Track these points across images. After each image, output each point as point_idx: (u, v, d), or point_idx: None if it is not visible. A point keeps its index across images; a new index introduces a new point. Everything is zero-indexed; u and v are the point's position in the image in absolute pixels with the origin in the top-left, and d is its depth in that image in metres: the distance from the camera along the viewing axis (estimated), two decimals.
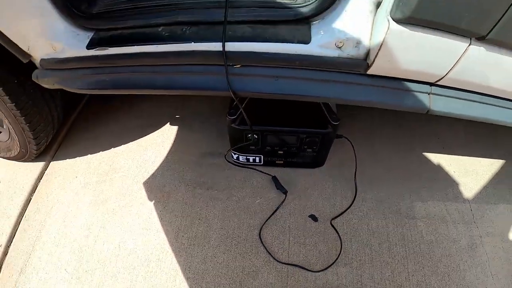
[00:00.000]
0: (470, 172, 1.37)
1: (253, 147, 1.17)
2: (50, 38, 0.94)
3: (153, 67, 0.94)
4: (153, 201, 1.22)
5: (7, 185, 1.29)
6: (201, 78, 0.90)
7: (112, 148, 1.39)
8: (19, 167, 1.35)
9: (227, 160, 1.16)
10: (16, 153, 1.29)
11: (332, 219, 1.16)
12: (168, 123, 1.47)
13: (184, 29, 0.90)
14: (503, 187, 1.31)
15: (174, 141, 1.40)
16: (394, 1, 0.69)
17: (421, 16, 0.69)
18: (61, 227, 1.18)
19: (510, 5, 0.66)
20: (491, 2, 0.66)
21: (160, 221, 1.17)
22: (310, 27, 0.84)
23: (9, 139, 1.26)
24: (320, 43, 0.81)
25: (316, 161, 1.28)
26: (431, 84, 0.89)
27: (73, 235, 1.15)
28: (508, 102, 0.93)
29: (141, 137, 1.42)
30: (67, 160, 1.37)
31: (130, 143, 1.40)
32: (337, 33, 0.81)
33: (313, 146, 1.16)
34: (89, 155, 1.37)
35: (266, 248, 1.09)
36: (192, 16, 0.89)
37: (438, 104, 0.90)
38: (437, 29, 0.73)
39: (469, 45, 0.77)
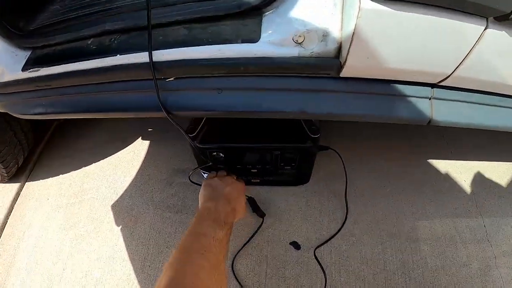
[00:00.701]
0: (484, 181, 1.06)
1: (222, 166, 0.92)
2: None
3: (83, 87, 0.71)
4: (120, 226, 1.02)
5: None
6: (131, 98, 0.66)
7: (84, 167, 1.19)
8: None
9: (191, 181, 0.93)
10: None
11: (317, 247, 0.90)
12: (140, 137, 1.24)
13: (112, 39, 0.66)
14: None
15: (145, 157, 1.17)
16: None
17: None
18: (33, 253, 1.01)
19: None
20: None
21: (127, 248, 0.97)
22: (261, 20, 0.57)
23: None
24: (273, 39, 0.54)
25: (299, 178, 1.02)
26: (432, 85, 0.60)
27: (43, 262, 0.99)
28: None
29: (112, 154, 1.21)
30: (41, 181, 1.19)
31: (101, 161, 1.19)
32: (295, 24, 0.53)
33: (291, 163, 0.89)
34: (61, 175, 1.19)
35: (239, 282, 0.86)
36: (119, 23, 0.65)
37: (443, 111, 0.61)
38: (434, 6, 0.45)
39: (485, 28, 0.48)
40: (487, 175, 1.07)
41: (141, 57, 0.60)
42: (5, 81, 0.76)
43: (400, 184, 1.04)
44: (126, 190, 1.09)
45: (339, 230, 0.93)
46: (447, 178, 1.06)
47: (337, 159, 0.99)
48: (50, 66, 0.71)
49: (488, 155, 1.11)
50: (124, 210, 1.05)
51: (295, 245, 0.92)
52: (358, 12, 0.44)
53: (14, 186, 1.18)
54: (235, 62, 0.56)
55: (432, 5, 0.45)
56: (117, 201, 1.07)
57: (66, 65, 0.69)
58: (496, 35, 0.49)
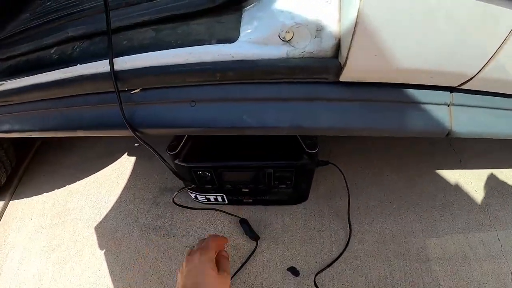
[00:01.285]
0: (496, 190, 0.91)
1: (210, 186, 0.78)
2: None
3: (46, 102, 0.58)
4: (104, 250, 0.87)
5: None
6: (94, 113, 0.52)
7: (67, 185, 1.05)
8: None
9: (175, 204, 0.79)
10: None
11: (318, 273, 0.75)
12: (126, 153, 1.11)
13: (74, 47, 0.53)
14: None
15: (131, 175, 1.03)
16: None
17: None
18: (16, 275, 0.88)
19: None
20: None
21: (110, 275, 0.83)
22: (241, 16, 0.43)
23: None
24: (254, 37, 0.41)
25: (296, 197, 0.86)
26: (452, 89, 0.46)
27: (25, 285, 0.85)
28: None
29: (97, 170, 1.07)
30: (24, 199, 1.06)
31: (86, 178, 1.05)
32: (282, 17, 0.40)
33: (287, 181, 0.74)
34: (44, 194, 1.05)
35: None
36: (81, 27, 0.52)
37: (464, 120, 0.47)
38: None
39: None
40: (499, 183, 0.92)
41: (102, 65, 0.47)
42: None
43: (407, 199, 0.88)
44: (110, 211, 0.95)
45: (341, 253, 0.78)
46: (457, 189, 0.91)
47: (338, 174, 0.84)
48: (13, 79, 0.58)
49: (500, 162, 0.96)
50: (108, 232, 0.90)
51: (293, 271, 0.76)
52: None
53: None
54: (210, 67, 0.42)
55: None
56: (100, 222, 0.93)
57: (29, 77, 0.56)
58: None
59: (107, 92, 0.49)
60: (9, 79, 0.59)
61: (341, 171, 0.83)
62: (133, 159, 1.08)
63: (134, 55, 0.46)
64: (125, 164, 1.07)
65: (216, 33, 0.42)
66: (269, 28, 0.40)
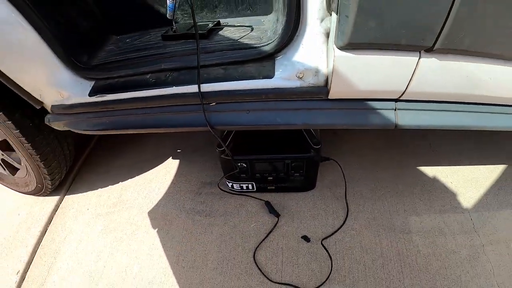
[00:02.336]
0: (470, 181, 1.37)
1: (244, 175, 1.28)
2: (58, 87, 1.11)
3: (143, 110, 1.10)
4: (157, 229, 1.34)
5: (25, 217, 1.48)
6: (184, 117, 1.04)
7: (120, 182, 1.55)
8: (36, 200, 1.54)
9: (220, 188, 1.27)
10: (33, 188, 1.48)
11: (323, 239, 1.21)
12: (171, 157, 1.63)
13: (167, 75, 1.05)
14: (506, 192, 1.32)
15: (176, 173, 1.54)
16: (335, 31, 0.80)
17: (359, 41, 0.78)
18: (74, 254, 1.32)
19: (448, 16, 0.71)
20: (424, 18, 0.72)
21: (163, 246, 1.28)
22: (274, 63, 0.96)
23: (27, 175, 1.45)
24: (283, 76, 0.93)
25: (306, 185, 1.36)
26: (396, 100, 0.96)
27: (84, 261, 1.29)
28: (475, 106, 0.98)
29: (147, 170, 1.58)
30: (80, 194, 1.55)
31: (137, 176, 1.56)
32: (297, 65, 0.92)
33: (300, 170, 1.25)
34: (99, 189, 1.54)
35: (260, 269, 1.16)
36: (173, 63, 1.05)
37: (405, 118, 0.97)
38: (382, 49, 0.81)
39: (419, 58, 0.83)
40: (472, 176, 1.39)
41: (191, 88, 0.99)
42: (71, 103, 1.14)
43: (393, 187, 1.36)
44: (160, 200, 1.43)
45: (341, 226, 1.25)
46: (435, 181, 1.38)
47: (339, 169, 1.33)
48: (115, 93, 1.09)
49: (473, 159, 1.45)
50: (159, 216, 1.38)
51: (306, 238, 1.22)
52: (334, 58, 0.82)
53: (54, 198, 1.53)
54: (258, 91, 0.94)
55: (381, 49, 0.82)
56: (152, 209, 1.41)
57: (131, 93, 1.07)
58: (429, 61, 0.84)
59: (194, 104, 1.00)
60: (110, 93, 1.10)
61: (340, 166, 1.32)
62: (177, 161, 1.60)
63: (213, 83, 0.97)
64: (170, 165, 1.58)
65: (262, 72, 0.94)
66: (291, 71, 0.92)
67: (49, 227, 1.44)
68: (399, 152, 1.52)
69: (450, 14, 0.71)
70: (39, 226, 1.43)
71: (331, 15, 0.84)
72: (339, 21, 0.77)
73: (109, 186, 1.54)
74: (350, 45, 0.79)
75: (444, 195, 1.33)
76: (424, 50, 0.82)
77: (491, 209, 1.27)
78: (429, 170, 1.42)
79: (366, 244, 1.20)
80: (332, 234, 1.23)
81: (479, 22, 0.74)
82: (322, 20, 0.86)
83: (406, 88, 0.91)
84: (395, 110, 0.96)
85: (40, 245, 1.37)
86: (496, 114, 1.01)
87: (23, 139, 1.23)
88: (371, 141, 1.61)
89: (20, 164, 1.43)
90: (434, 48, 0.79)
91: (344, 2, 0.73)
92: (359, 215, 1.28)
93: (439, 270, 1.12)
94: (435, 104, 0.98)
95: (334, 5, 0.78)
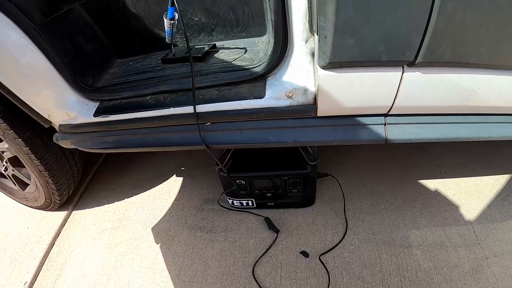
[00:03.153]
0: (472, 193, 1.38)
1: (244, 192, 1.33)
2: (65, 108, 1.19)
3: (144, 129, 1.17)
4: (159, 244, 1.39)
5: (34, 231, 1.57)
6: (181, 136, 1.10)
7: (126, 199, 1.62)
8: (45, 215, 1.63)
9: (220, 205, 1.32)
10: (42, 203, 1.57)
11: (321, 254, 1.23)
12: (174, 174, 1.71)
13: (165, 97, 1.12)
14: (510, 203, 1.32)
15: (179, 190, 1.61)
16: (317, 51, 0.84)
17: (339, 60, 0.82)
18: (80, 267, 1.39)
19: (426, 30, 0.75)
20: (402, 33, 0.75)
21: (165, 261, 1.33)
22: (265, 83, 1.01)
23: (36, 191, 1.53)
24: (273, 95, 0.98)
25: (305, 200, 1.39)
26: (385, 115, 1.00)
27: (89, 274, 1.36)
28: (467, 117, 1.00)
29: (151, 188, 1.66)
30: (87, 209, 1.64)
31: (141, 193, 1.64)
32: (286, 85, 0.97)
33: (297, 186, 1.29)
34: (105, 205, 1.62)
35: (259, 284, 1.19)
36: (171, 86, 1.12)
37: (395, 132, 1.00)
38: (364, 66, 0.85)
39: (403, 72, 0.86)
40: (475, 187, 1.39)
41: (188, 109, 1.06)
42: (77, 123, 1.22)
43: (393, 201, 1.38)
44: (164, 216, 1.49)
45: (340, 241, 1.27)
46: (436, 194, 1.39)
47: (337, 184, 1.35)
48: (118, 114, 1.16)
49: (475, 171, 1.45)
50: (162, 231, 1.43)
51: (304, 254, 1.25)
52: (318, 77, 0.87)
53: (62, 213, 1.62)
54: (250, 111, 0.99)
55: (363, 66, 0.86)
56: (156, 224, 1.47)
57: (132, 113, 1.14)
58: (412, 75, 0.86)
59: (190, 124, 1.07)
60: (113, 114, 1.17)
61: (338, 182, 1.35)
62: (180, 179, 1.67)
63: (208, 104, 1.03)
64: (173, 183, 1.65)
65: (253, 93, 1.00)
66: (280, 91, 0.97)
67: (57, 240, 1.52)
68: (399, 165, 1.54)
69: (428, 27, 0.74)
70: (47, 239, 1.51)
71: (313, 36, 0.89)
72: (319, 42, 0.82)
73: (115, 203, 1.62)
74: (332, 64, 0.84)
75: (445, 208, 1.34)
76: (406, 65, 0.85)
77: (494, 220, 1.27)
78: (430, 183, 1.43)
79: (366, 259, 1.21)
80: (331, 249, 1.25)
81: (458, 34, 0.76)
82: (306, 41, 0.92)
83: (393, 103, 0.94)
84: (384, 124, 1.00)
85: (48, 257, 1.45)
86: (490, 123, 1.02)
87: (32, 155, 1.31)
88: (371, 155, 1.63)
89: (30, 179, 1.51)
90: (416, 62, 0.82)
91: (322, 24, 0.78)
92: (359, 230, 1.30)
93: (441, 284, 1.12)
94: (425, 117, 1.00)
95: (315, 26, 0.84)
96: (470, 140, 1.03)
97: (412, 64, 0.84)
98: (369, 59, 0.82)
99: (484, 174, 1.43)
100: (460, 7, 0.72)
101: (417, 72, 0.86)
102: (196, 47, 1.24)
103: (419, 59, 0.81)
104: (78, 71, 1.19)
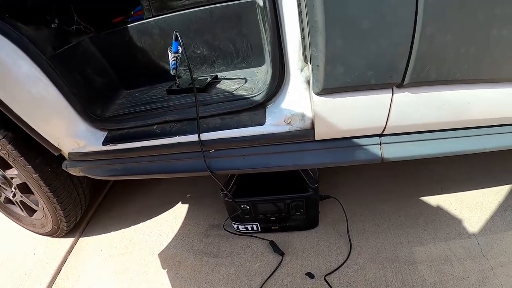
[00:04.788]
0: (475, 206, 1.43)
1: (248, 216, 1.40)
2: (75, 137, 1.28)
3: (151, 157, 1.25)
4: (166, 269, 1.44)
5: (41, 257, 1.63)
6: (187, 163, 1.19)
7: (132, 226, 1.69)
8: (52, 241, 1.69)
9: (226, 230, 1.38)
10: (49, 229, 1.63)
11: (327, 274, 1.27)
12: (180, 201, 1.79)
13: (171, 126, 1.21)
14: None
15: (185, 217, 1.69)
16: (312, 79, 0.93)
17: (332, 86, 0.91)
18: None
19: (410, 53, 0.83)
20: (387, 58, 0.84)
21: (172, 286, 1.38)
22: (265, 111, 1.10)
23: (44, 217, 1.60)
24: (272, 122, 1.07)
25: (309, 223, 1.45)
26: (380, 135, 1.08)
27: None
28: (457, 131, 1.07)
29: (157, 215, 1.74)
30: (94, 236, 1.70)
31: (147, 220, 1.71)
32: (285, 111, 1.06)
33: (300, 209, 1.36)
34: (112, 232, 1.69)
35: None
36: (176, 116, 1.21)
37: (391, 151, 1.07)
38: (355, 91, 0.93)
39: (393, 94, 0.94)
40: (477, 200, 1.44)
41: (193, 137, 1.14)
42: (86, 151, 1.31)
43: (395, 220, 1.43)
44: (170, 242, 1.55)
45: (345, 261, 1.31)
46: (439, 210, 1.44)
47: (340, 205, 1.42)
48: (126, 143, 1.25)
49: (476, 184, 1.51)
50: (169, 257, 1.49)
51: (310, 275, 1.29)
52: (313, 103, 0.96)
53: (69, 240, 1.69)
54: (252, 138, 1.08)
55: (354, 91, 0.94)
56: (162, 250, 1.52)
57: (140, 142, 1.23)
58: (403, 95, 0.95)
59: (195, 151, 1.15)
60: (121, 142, 1.26)
61: (340, 203, 1.41)
62: (186, 205, 1.75)
63: (211, 132, 1.12)
64: (179, 210, 1.73)
65: (254, 120, 1.08)
66: (279, 117, 1.06)
67: (63, 267, 1.58)
68: (399, 184, 1.60)
69: (412, 51, 0.83)
70: (54, 265, 1.56)
71: (308, 65, 0.99)
72: (312, 70, 0.91)
73: (122, 229, 1.68)
74: (325, 90, 0.92)
75: (448, 223, 1.39)
76: (395, 86, 0.93)
77: (498, 231, 1.31)
78: (432, 199, 1.48)
79: (371, 277, 1.25)
80: (336, 269, 1.29)
81: (440, 54, 0.84)
82: (301, 70, 1.01)
83: (386, 123, 1.02)
84: (380, 144, 1.07)
85: (55, 282, 1.50)
86: (483, 136, 1.09)
87: (42, 182, 1.39)
88: (371, 176, 1.70)
89: (37, 206, 1.58)
90: (404, 83, 0.90)
91: (314, 54, 0.87)
92: (363, 250, 1.34)
93: None
94: (419, 134, 1.08)
95: (308, 57, 0.93)
96: (466, 153, 1.10)
97: (400, 86, 0.92)
98: (359, 83, 0.90)
99: (485, 187, 1.49)
100: (441, 30, 0.80)
101: (406, 92, 0.94)
102: (199, 78, 1.35)
103: (406, 81, 0.89)
104: (87, 102, 1.28)
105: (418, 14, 0.78)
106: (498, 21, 0.80)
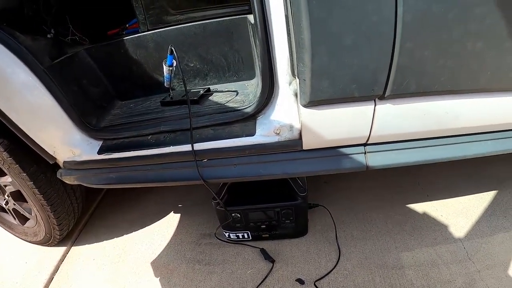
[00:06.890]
0: (460, 211, 1.52)
1: (239, 225, 1.46)
2: (70, 145, 1.33)
3: (145, 166, 1.32)
4: (159, 278, 1.49)
5: (32, 266, 1.66)
6: (180, 172, 1.26)
7: (125, 234, 1.74)
8: (44, 250, 1.73)
9: (217, 238, 1.44)
10: (41, 237, 1.67)
11: (316, 280, 1.34)
12: (172, 211, 1.85)
13: (165, 136, 1.29)
14: (498, 217, 1.46)
15: (177, 225, 1.75)
16: (299, 92, 1.02)
17: (317, 99, 0.99)
18: None
19: (390, 67, 0.91)
20: (369, 72, 0.92)
21: None
22: (256, 122, 1.19)
23: (36, 225, 1.64)
24: (262, 133, 1.15)
25: (298, 231, 1.53)
26: (364, 144, 1.16)
27: None
28: (439, 140, 1.16)
29: (150, 224, 1.79)
30: (86, 245, 1.75)
31: (140, 229, 1.76)
32: (274, 123, 1.14)
33: (290, 217, 1.43)
34: (105, 241, 1.74)
35: None
36: (170, 126, 1.29)
37: (375, 160, 1.16)
38: (340, 103, 1.01)
39: (375, 105, 1.03)
40: (463, 206, 1.53)
41: (186, 147, 1.22)
42: (81, 160, 1.36)
43: (383, 227, 1.51)
44: (162, 251, 1.61)
45: (334, 266, 1.38)
46: (425, 216, 1.52)
47: (328, 213, 1.49)
48: (121, 152, 1.31)
49: (461, 190, 1.61)
50: (162, 265, 1.54)
51: (300, 281, 1.36)
52: (300, 114, 1.04)
53: (61, 249, 1.73)
54: (243, 148, 1.16)
55: (339, 103, 1.02)
56: (155, 259, 1.57)
57: (134, 151, 1.30)
58: (384, 107, 1.03)
59: (188, 161, 1.22)
60: (116, 152, 1.32)
61: (329, 211, 1.49)
62: (178, 215, 1.81)
63: (204, 142, 1.19)
64: (172, 218, 1.79)
65: (245, 131, 1.16)
66: (269, 128, 1.14)
67: (55, 275, 1.62)
68: (387, 192, 1.69)
69: (392, 65, 0.91)
70: (46, 274, 1.60)
71: (295, 79, 1.07)
72: (300, 84, 0.99)
73: (114, 238, 1.73)
74: (312, 103, 1.01)
75: (435, 228, 1.47)
76: (377, 98, 1.02)
77: (483, 235, 1.40)
78: (419, 206, 1.57)
79: (359, 282, 1.32)
80: (326, 275, 1.36)
81: (419, 68, 0.93)
82: (290, 84, 1.10)
83: (370, 133, 1.11)
84: (365, 153, 1.16)
85: None
86: (464, 143, 1.18)
87: (36, 190, 1.43)
88: (359, 185, 1.79)
89: (30, 214, 1.62)
90: (386, 95, 0.98)
91: (301, 69, 0.96)
92: (352, 256, 1.41)
93: None
94: (402, 143, 1.17)
95: (295, 71, 1.02)
96: (447, 161, 1.19)
97: (382, 98, 1.00)
98: (344, 96, 0.99)
99: (470, 193, 1.59)
100: (418, 45, 0.88)
101: (388, 104, 1.03)
102: (192, 90, 1.43)
103: (387, 93, 0.97)
104: (83, 111, 1.34)
105: (397, 31, 0.86)
106: (473, 35, 0.89)
